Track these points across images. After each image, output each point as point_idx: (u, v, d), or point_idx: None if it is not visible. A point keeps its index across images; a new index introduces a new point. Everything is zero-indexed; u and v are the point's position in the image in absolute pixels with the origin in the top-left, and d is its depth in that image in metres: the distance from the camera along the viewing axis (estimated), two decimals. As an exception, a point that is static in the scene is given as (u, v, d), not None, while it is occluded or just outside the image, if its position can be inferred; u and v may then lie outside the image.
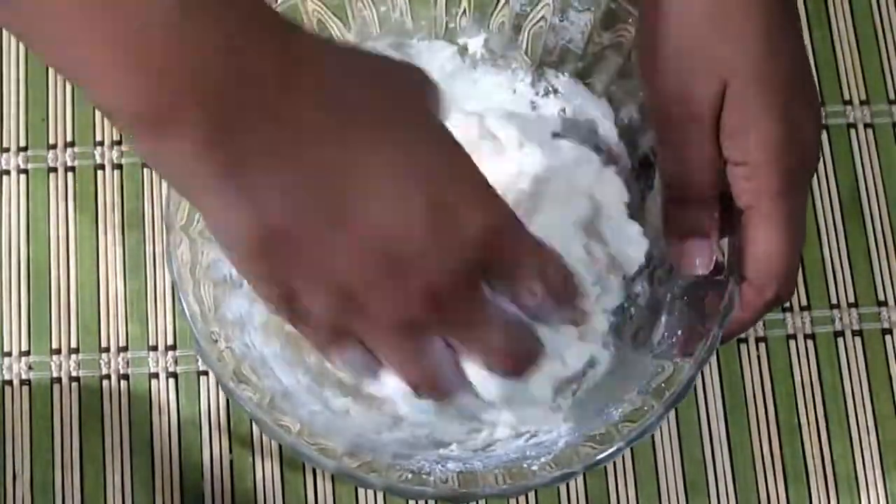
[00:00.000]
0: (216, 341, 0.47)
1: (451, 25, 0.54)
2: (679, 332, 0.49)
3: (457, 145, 0.38)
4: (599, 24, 0.52)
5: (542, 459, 0.46)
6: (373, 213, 0.36)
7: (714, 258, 0.47)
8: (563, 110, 0.55)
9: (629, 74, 0.52)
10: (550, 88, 0.55)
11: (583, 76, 0.55)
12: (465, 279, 0.38)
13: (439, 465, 0.47)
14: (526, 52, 0.55)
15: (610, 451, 0.45)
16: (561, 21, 0.53)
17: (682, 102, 0.45)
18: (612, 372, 0.52)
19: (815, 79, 0.61)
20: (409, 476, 0.45)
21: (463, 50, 0.55)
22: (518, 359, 0.41)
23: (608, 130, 0.54)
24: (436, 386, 0.41)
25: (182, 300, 0.47)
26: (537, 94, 0.56)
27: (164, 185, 0.59)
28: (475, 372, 0.41)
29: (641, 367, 0.50)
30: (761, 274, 0.46)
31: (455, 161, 0.38)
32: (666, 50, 0.46)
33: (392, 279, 0.37)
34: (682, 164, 0.47)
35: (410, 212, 0.37)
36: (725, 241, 0.48)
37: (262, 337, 0.50)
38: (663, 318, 0.50)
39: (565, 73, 0.55)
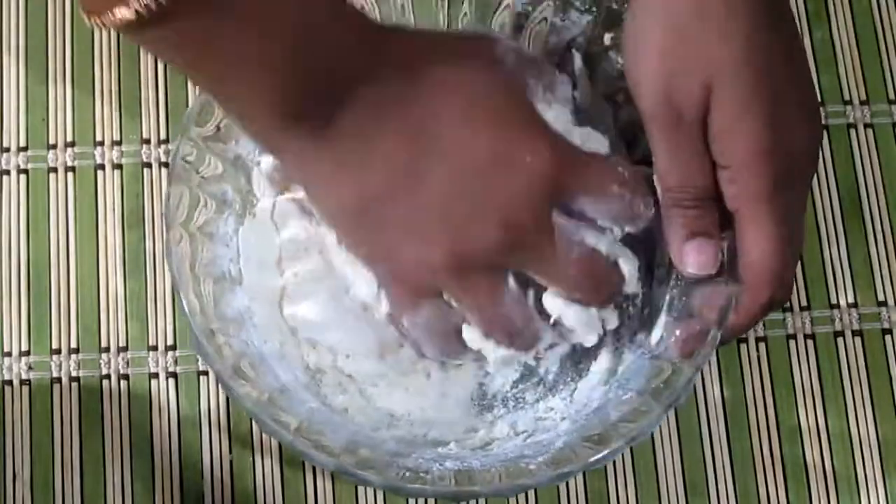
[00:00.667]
0: (215, 337, 0.47)
1: (454, 25, 0.54)
2: (678, 333, 0.49)
3: (515, 92, 0.47)
4: (601, 24, 0.52)
5: (540, 458, 0.46)
6: (445, 171, 0.44)
7: (719, 259, 0.47)
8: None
9: None
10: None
11: None
12: (534, 212, 0.44)
13: (437, 464, 0.47)
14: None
15: (608, 451, 0.45)
16: (562, 21, 0.53)
17: (672, 105, 0.45)
18: (612, 372, 0.52)
19: (815, 79, 0.62)
20: (408, 474, 0.45)
21: None
22: (597, 289, 0.48)
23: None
24: (509, 331, 0.48)
25: (181, 296, 0.47)
26: None
27: (164, 183, 0.59)
28: (556, 305, 0.48)
29: (640, 368, 0.50)
30: (753, 277, 0.46)
31: (516, 119, 0.45)
32: (651, 52, 0.46)
33: (470, 221, 0.44)
34: (677, 167, 0.47)
35: (478, 161, 0.44)
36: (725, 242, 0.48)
37: (262, 334, 0.50)
38: (662, 319, 0.50)
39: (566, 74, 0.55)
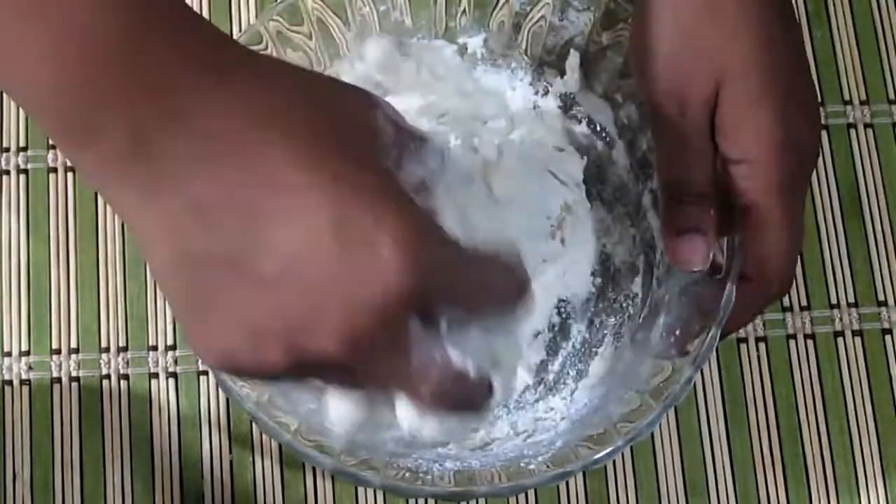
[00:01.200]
0: None
1: (451, 24, 0.54)
2: (678, 332, 0.48)
3: (383, 184, 0.35)
4: (599, 23, 0.52)
5: (540, 458, 0.46)
6: (284, 250, 0.33)
7: (711, 255, 0.47)
8: (560, 107, 0.56)
9: (629, 74, 0.52)
10: (549, 88, 0.56)
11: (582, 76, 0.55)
12: (384, 325, 0.34)
13: (437, 464, 0.47)
14: (526, 52, 0.55)
15: (608, 450, 0.45)
16: (560, 21, 0.53)
17: (677, 100, 0.45)
18: (611, 371, 0.52)
19: (815, 78, 0.62)
20: (407, 475, 0.45)
21: (462, 49, 0.55)
22: (452, 405, 0.39)
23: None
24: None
25: None
26: (536, 93, 0.56)
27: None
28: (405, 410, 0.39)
29: (640, 367, 0.50)
30: (762, 271, 0.46)
31: (377, 203, 0.34)
32: (660, 47, 0.46)
33: (306, 323, 0.34)
34: (678, 162, 0.47)
35: (321, 252, 0.33)
36: (724, 240, 0.48)
37: None
38: (662, 319, 0.50)
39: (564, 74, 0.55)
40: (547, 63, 0.55)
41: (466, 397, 0.39)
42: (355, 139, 0.36)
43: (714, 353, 0.58)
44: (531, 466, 0.46)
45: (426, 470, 0.46)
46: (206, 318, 0.35)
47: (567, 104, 0.56)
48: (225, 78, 0.34)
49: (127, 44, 0.32)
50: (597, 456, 0.45)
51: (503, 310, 0.40)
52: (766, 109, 0.44)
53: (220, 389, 0.56)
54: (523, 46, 0.55)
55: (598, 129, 0.55)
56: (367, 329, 0.34)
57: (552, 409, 0.52)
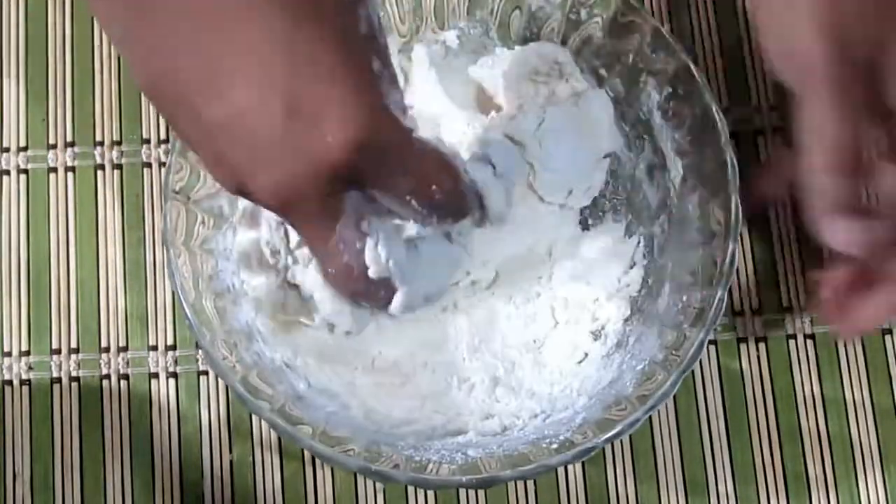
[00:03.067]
0: (225, 350, 0.47)
1: (419, 24, 0.55)
2: (685, 298, 0.49)
3: (348, 45, 0.36)
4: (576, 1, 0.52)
5: (562, 437, 0.47)
6: (235, 99, 0.36)
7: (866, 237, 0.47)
8: None
9: (611, 48, 0.52)
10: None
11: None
12: (315, 192, 0.37)
13: (460, 453, 0.47)
14: (509, 38, 0.55)
15: (628, 421, 0.45)
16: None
17: (845, 56, 0.44)
18: (622, 344, 0.52)
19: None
20: (431, 467, 0.45)
21: (442, 45, 0.56)
22: (352, 291, 0.42)
23: None
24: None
25: (188, 314, 0.47)
26: None
27: (162, 197, 0.59)
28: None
29: (651, 337, 0.50)
30: None
31: (336, 61, 0.36)
32: (813, 5, 0.44)
33: (245, 171, 0.37)
34: (840, 127, 0.45)
35: (268, 111, 0.35)
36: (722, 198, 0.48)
37: (270, 343, 0.50)
38: (667, 287, 0.51)
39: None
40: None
41: (367, 290, 0.42)
42: (333, 18, 0.36)
43: (715, 350, 0.58)
44: (553, 446, 0.46)
45: (450, 460, 0.46)
46: (182, 130, 0.38)
47: None
48: None
49: None
50: (618, 428, 0.45)
51: (442, 214, 0.41)
52: None
53: (220, 389, 0.56)
54: (503, 34, 0.55)
55: None
56: (297, 193, 0.37)
57: (566, 385, 0.52)
